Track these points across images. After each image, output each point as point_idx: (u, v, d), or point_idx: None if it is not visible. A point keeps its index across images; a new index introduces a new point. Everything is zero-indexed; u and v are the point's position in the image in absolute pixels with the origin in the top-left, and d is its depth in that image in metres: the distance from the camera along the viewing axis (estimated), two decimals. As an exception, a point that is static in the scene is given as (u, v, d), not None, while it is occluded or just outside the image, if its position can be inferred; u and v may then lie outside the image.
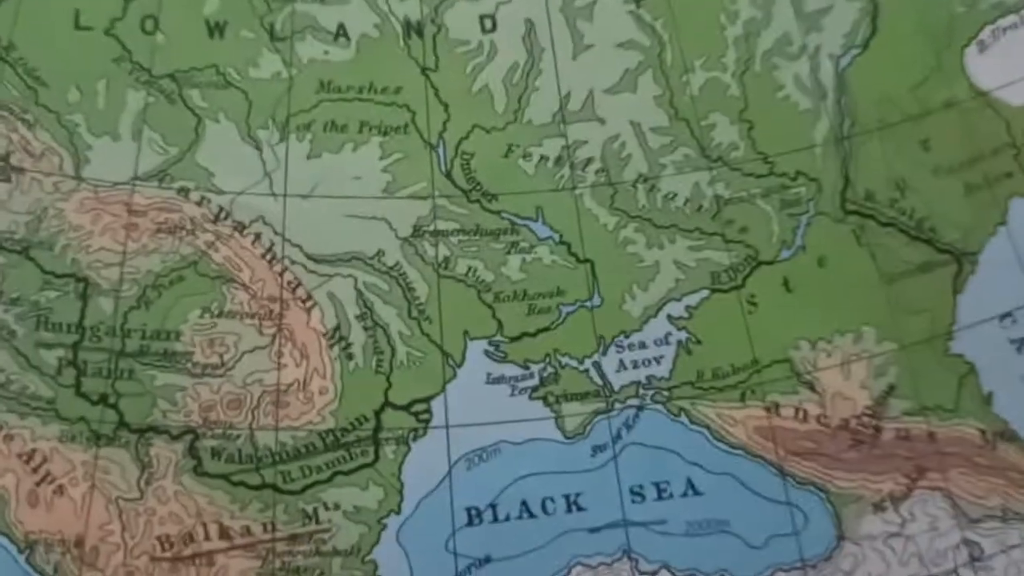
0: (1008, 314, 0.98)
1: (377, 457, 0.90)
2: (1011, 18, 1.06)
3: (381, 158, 0.99)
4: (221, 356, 0.91)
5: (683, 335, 0.97)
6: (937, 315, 0.98)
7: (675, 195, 1.01)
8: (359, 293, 0.95)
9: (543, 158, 1.01)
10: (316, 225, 0.96)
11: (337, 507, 0.88)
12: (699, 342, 0.97)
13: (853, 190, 1.01)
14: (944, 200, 1.01)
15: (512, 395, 0.94)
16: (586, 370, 0.95)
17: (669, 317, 0.97)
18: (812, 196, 1.01)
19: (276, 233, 0.95)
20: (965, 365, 0.96)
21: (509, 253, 0.98)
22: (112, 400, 0.88)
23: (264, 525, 0.87)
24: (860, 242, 1.00)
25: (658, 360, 0.96)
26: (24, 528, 0.84)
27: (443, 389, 0.93)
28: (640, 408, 0.94)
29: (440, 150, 1.00)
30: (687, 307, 0.98)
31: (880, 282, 0.99)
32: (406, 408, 0.92)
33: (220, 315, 0.92)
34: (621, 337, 0.96)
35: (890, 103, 1.04)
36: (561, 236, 0.99)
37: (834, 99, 1.04)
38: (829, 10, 1.06)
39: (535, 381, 0.94)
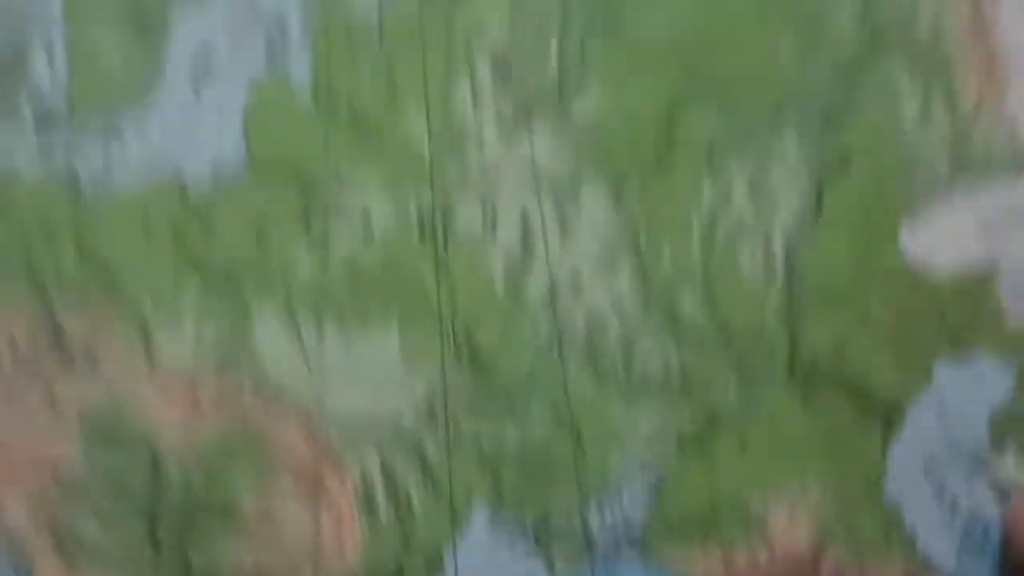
0: (930, 462, 1.15)
1: (399, 600, 1.09)
2: (940, 195, 1.23)
3: (401, 336, 1.17)
4: (270, 515, 1.10)
5: (654, 488, 1.15)
6: (870, 466, 1.15)
7: (648, 363, 1.19)
8: (383, 460, 1.13)
9: (536, 332, 1.19)
10: (347, 399, 1.14)
11: (366, 642, 1.08)
12: (668, 494, 1.14)
13: (799, 356, 1.19)
14: (878, 364, 1.18)
15: (510, 544, 1.12)
16: (572, 522, 1.13)
17: (642, 472, 1.15)
18: (765, 361, 1.19)
19: (313, 408, 1.14)
20: (893, 509, 1.13)
21: (507, 419, 1.16)
22: (183, 555, 1.07)
23: (307, 658, 1.06)
24: (805, 402, 1.17)
25: (633, 510, 1.14)
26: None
27: (453, 541, 1.11)
28: (618, 553, 1.13)
29: (450, 327, 1.18)
30: (658, 463, 1.16)
31: (822, 438, 1.16)
32: (422, 557, 1.11)
33: (269, 481, 1.11)
34: (602, 492, 1.14)
35: (833, 276, 1.21)
36: (551, 401, 1.17)
37: (784, 274, 1.21)
38: (779, 194, 1.24)
39: (529, 533, 1.13)
